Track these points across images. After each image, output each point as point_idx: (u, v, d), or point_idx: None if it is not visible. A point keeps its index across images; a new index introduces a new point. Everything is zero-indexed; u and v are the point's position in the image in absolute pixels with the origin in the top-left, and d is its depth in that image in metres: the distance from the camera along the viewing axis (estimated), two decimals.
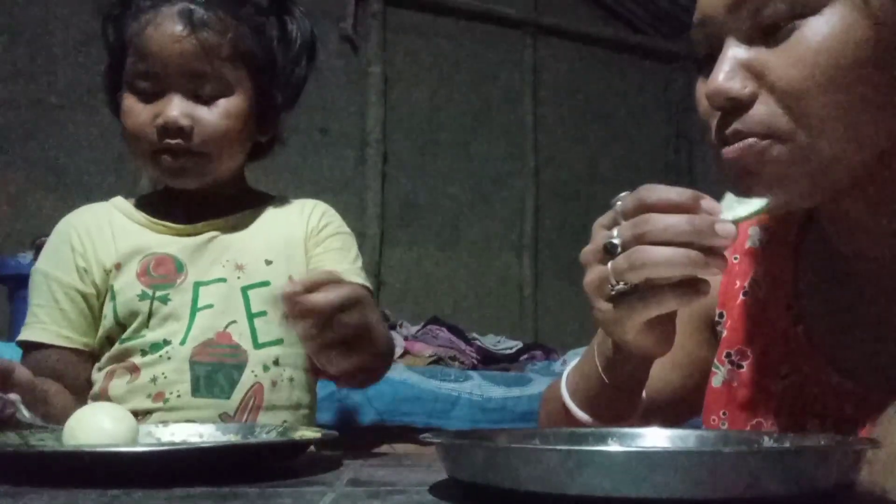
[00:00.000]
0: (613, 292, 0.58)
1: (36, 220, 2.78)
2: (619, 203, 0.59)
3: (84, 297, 1.03)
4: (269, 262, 1.07)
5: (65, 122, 3.12)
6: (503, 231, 3.99)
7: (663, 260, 0.54)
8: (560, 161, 4.12)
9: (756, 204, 0.58)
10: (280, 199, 1.16)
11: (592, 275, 0.60)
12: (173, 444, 0.70)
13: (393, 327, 3.17)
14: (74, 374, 1.02)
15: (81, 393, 1.02)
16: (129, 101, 1.01)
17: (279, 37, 1.08)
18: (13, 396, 0.77)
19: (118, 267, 1.03)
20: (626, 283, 0.57)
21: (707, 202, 0.57)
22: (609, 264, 0.57)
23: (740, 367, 0.73)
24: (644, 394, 0.74)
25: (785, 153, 0.57)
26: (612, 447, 0.57)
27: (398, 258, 3.75)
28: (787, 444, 0.54)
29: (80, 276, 1.04)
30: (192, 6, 0.98)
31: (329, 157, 3.66)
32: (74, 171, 3.09)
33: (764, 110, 0.58)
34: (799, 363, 0.69)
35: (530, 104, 4.05)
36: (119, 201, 1.11)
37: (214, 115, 1.00)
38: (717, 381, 0.75)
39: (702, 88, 0.64)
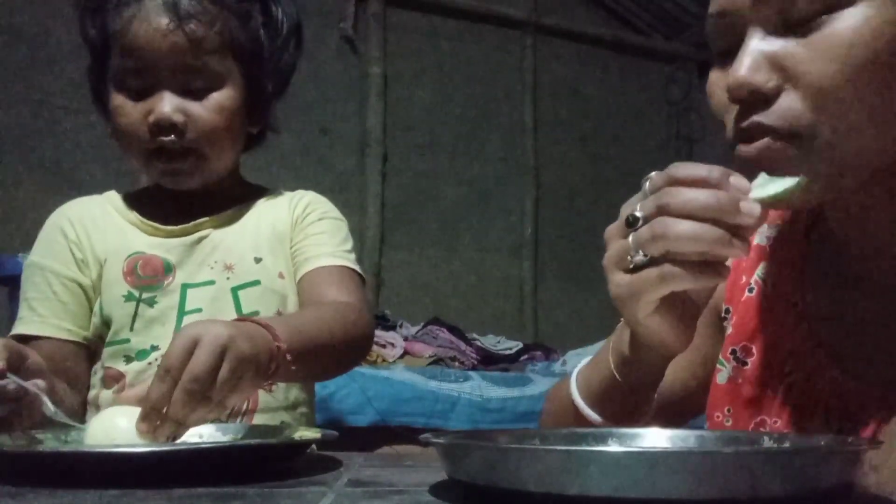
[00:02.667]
0: (632, 265, 0.56)
1: (36, 221, 2.78)
2: (648, 182, 0.58)
3: (83, 288, 1.00)
4: (258, 260, 1.03)
5: (65, 122, 3.12)
6: (503, 231, 3.99)
7: (686, 234, 0.53)
8: (560, 161, 4.12)
9: (788, 182, 0.55)
10: (272, 192, 1.12)
11: (613, 249, 0.58)
12: (173, 444, 0.70)
13: (393, 327, 3.17)
14: (77, 370, 0.99)
15: (83, 390, 0.99)
16: (119, 100, 0.97)
17: (265, 23, 1.03)
18: (39, 383, 0.74)
19: (105, 262, 1.00)
20: (645, 255, 0.56)
21: (736, 178, 0.55)
22: (630, 236, 0.56)
23: (745, 363, 0.73)
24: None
25: (805, 153, 0.56)
26: (612, 447, 0.57)
27: (398, 258, 3.75)
28: (787, 444, 0.54)
29: (79, 266, 1.00)
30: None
31: (329, 157, 3.66)
32: (74, 171, 3.09)
33: (788, 105, 0.56)
34: (803, 361, 0.68)
35: (530, 104, 4.05)
36: (113, 196, 1.08)
37: (207, 109, 0.97)
38: (721, 377, 0.75)
39: (716, 80, 0.62)
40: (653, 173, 0.58)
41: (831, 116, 0.55)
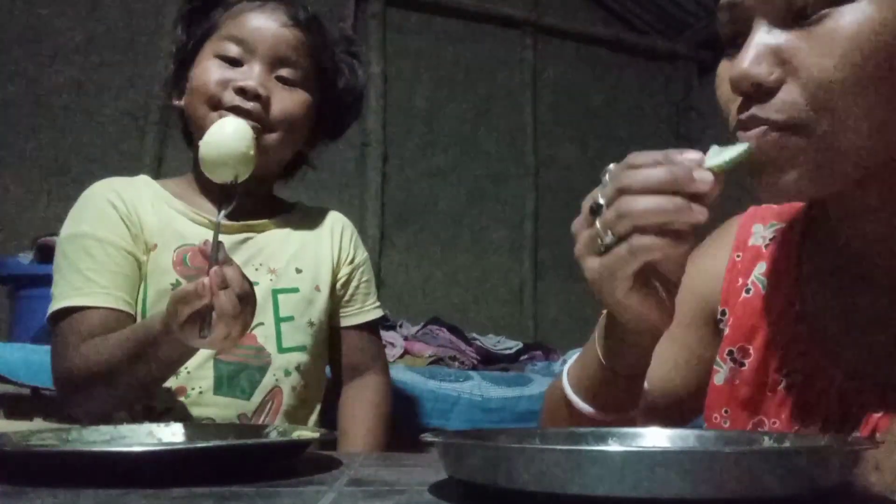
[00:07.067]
0: (603, 248, 0.57)
1: (36, 221, 2.78)
2: (607, 174, 0.60)
3: (138, 262, 1.02)
4: (299, 271, 1.11)
5: (65, 122, 3.11)
6: (503, 231, 3.98)
7: (649, 207, 0.54)
8: (560, 161, 4.12)
9: (737, 149, 0.57)
10: (303, 208, 1.20)
11: (582, 238, 0.60)
12: (173, 444, 0.70)
13: (393, 327, 3.17)
14: None
15: None
16: (209, 62, 1.04)
17: (341, 72, 1.15)
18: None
19: (154, 248, 1.02)
20: (614, 236, 0.57)
21: (689, 153, 0.57)
22: (597, 221, 0.58)
23: (742, 364, 0.73)
24: (647, 392, 0.74)
25: (801, 144, 0.56)
26: (612, 447, 0.57)
27: (398, 258, 3.75)
28: (787, 444, 0.54)
29: (134, 240, 1.02)
30: (301, 10, 1.06)
31: (329, 157, 3.65)
32: (74, 171, 3.09)
33: (786, 98, 0.56)
34: (801, 361, 0.68)
35: (530, 104, 4.05)
36: (150, 182, 1.10)
37: (291, 96, 1.05)
38: (719, 378, 0.75)
39: (723, 72, 0.62)
40: (611, 165, 0.60)
41: (829, 111, 0.55)
